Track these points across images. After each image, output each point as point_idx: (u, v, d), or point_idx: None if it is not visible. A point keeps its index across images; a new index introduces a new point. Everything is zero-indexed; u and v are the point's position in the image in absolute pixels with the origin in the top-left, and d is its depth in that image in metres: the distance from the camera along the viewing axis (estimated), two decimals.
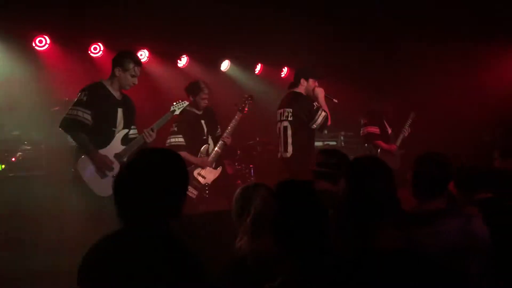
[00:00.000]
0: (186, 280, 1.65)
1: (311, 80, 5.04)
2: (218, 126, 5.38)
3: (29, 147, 5.11)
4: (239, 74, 7.27)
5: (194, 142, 5.15)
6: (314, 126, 4.89)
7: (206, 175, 5.18)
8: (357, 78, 7.05)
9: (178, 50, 6.65)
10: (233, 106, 5.33)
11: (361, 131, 6.21)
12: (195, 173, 5.12)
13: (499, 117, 6.29)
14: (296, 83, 5.10)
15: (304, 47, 6.92)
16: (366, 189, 2.01)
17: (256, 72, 7.52)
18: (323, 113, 4.88)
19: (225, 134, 5.22)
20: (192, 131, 5.15)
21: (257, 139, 6.76)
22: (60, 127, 3.94)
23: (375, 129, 6.09)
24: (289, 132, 4.93)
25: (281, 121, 5.04)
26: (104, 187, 3.82)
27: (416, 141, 5.95)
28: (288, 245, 1.90)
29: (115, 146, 4.00)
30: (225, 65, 7.12)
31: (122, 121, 4.06)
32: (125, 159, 3.95)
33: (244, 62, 7.31)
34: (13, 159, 4.96)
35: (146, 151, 1.80)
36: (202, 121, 5.24)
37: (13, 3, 4.95)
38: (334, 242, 1.96)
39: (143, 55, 6.33)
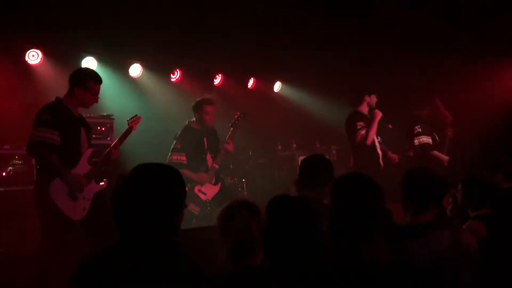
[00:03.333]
0: None
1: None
2: (220, 145, 5.38)
3: (20, 162, 5.06)
4: (231, 88, 7.30)
5: (194, 159, 5.16)
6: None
7: (207, 191, 5.18)
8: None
9: (171, 64, 6.68)
10: (225, 121, 5.37)
11: (416, 140, 5.65)
12: (196, 189, 5.12)
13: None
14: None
15: (297, 62, 6.97)
16: (350, 207, 2.03)
17: (249, 87, 7.56)
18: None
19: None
20: (194, 148, 5.18)
21: (250, 153, 6.78)
22: (27, 152, 3.72)
23: (428, 139, 5.65)
24: None
25: None
26: (76, 210, 3.76)
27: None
28: (279, 259, 1.90)
29: (83, 166, 3.89)
30: (218, 80, 7.16)
31: (86, 140, 3.98)
32: (92, 179, 3.90)
33: (236, 76, 7.36)
34: (4, 173, 4.92)
35: (144, 165, 1.80)
36: (205, 139, 5.28)
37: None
38: (327, 255, 1.97)
39: (136, 69, 6.35)
